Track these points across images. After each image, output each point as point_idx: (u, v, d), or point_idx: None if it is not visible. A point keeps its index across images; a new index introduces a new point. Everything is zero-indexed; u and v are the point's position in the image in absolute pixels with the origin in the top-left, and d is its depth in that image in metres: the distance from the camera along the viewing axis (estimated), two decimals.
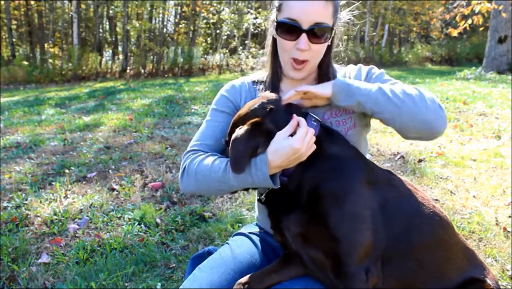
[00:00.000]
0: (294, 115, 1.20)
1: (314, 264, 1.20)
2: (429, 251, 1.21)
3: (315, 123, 1.25)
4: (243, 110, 1.28)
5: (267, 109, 1.22)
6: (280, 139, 1.17)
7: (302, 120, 1.19)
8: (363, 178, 1.19)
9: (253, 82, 1.49)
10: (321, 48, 1.34)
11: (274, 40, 1.41)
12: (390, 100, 1.23)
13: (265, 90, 1.43)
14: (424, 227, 1.22)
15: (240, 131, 1.17)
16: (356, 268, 1.09)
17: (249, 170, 1.19)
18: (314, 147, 1.20)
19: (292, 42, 1.30)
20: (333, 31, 1.34)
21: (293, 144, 1.14)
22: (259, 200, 1.33)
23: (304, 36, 1.28)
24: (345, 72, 1.48)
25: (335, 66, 1.50)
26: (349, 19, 1.47)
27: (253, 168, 1.18)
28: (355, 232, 1.11)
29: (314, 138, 1.19)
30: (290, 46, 1.31)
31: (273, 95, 1.31)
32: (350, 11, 1.46)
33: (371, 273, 1.11)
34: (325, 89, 1.28)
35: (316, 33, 1.28)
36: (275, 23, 1.33)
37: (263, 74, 1.51)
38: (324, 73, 1.43)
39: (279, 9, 1.34)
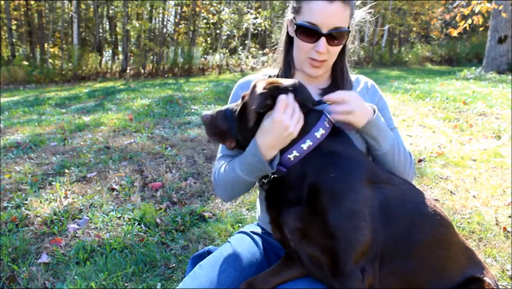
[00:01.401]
0: (280, 97, 1.21)
1: (311, 262, 1.19)
2: (430, 250, 1.21)
3: (327, 124, 1.26)
4: (273, 79, 1.29)
5: (293, 87, 1.24)
6: (265, 120, 1.21)
7: (280, 98, 1.20)
8: (365, 177, 1.19)
9: (267, 76, 1.53)
10: (338, 50, 1.40)
11: (288, 37, 1.47)
12: (394, 158, 1.38)
13: None
14: (425, 226, 1.22)
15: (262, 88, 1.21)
16: (352, 267, 1.09)
17: (247, 157, 1.24)
18: (302, 121, 1.21)
19: (311, 44, 1.35)
20: (350, 33, 1.40)
21: (275, 116, 1.17)
22: (261, 185, 1.33)
23: (323, 40, 1.33)
24: (357, 78, 1.54)
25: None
26: (363, 18, 1.50)
27: (250, 155, 1.23)
28: (354, 231, 1.11)
29: (298, 111, 1.21)
30: (309, 47, 1.36)
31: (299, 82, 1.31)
32: (364, 11, 1.50)
33: (367, 273, 1.11)
34: (360, 122, 1.31)
35: (335, 36, 1.34)
36: (295, 26, 1.37)
37: (272, 71, 1.54)
38: (338, 73, 1.48)
39: (298, 10, 1.37)
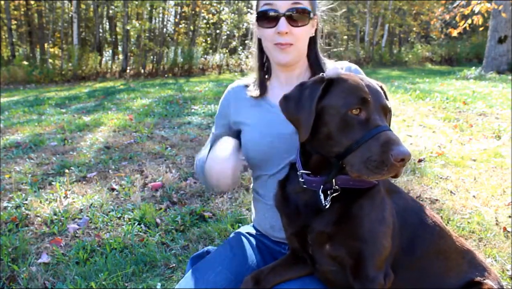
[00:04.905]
0: None
1: (331, 265, 1.17)
2: (430, 261, 1.22)
3: None
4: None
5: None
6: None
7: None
8: (385, 186, 1.20)
9: (245, 86, 1.54)
10: (301, 32, 1.37)
11: (259, 41, 1.48)
12: None
13: (254, 87, 1.49)
14: (426, 237, 1.22)
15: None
16: (377, 271, 1.10)
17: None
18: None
19: (273, 28, 1.36)
20: (311, 14, 1.38)
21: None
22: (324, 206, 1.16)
23: (283, 20, 1.34)
24: (348, 67, 1.49)
25: (326, 60, 1.51)
26: (328, 8, 1.51)
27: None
28: (382, 236, 1.11)
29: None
30: (272, 32, 1.36)
31: None
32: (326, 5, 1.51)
33: (389, 278, 1.11)
34: None
35: (294, 16, 1.34)
36: (256, 16, 1.40)
37: (252, 78, 1.55)
38: (314, 64, 1.47)
39: (257, 6, 1.42)
